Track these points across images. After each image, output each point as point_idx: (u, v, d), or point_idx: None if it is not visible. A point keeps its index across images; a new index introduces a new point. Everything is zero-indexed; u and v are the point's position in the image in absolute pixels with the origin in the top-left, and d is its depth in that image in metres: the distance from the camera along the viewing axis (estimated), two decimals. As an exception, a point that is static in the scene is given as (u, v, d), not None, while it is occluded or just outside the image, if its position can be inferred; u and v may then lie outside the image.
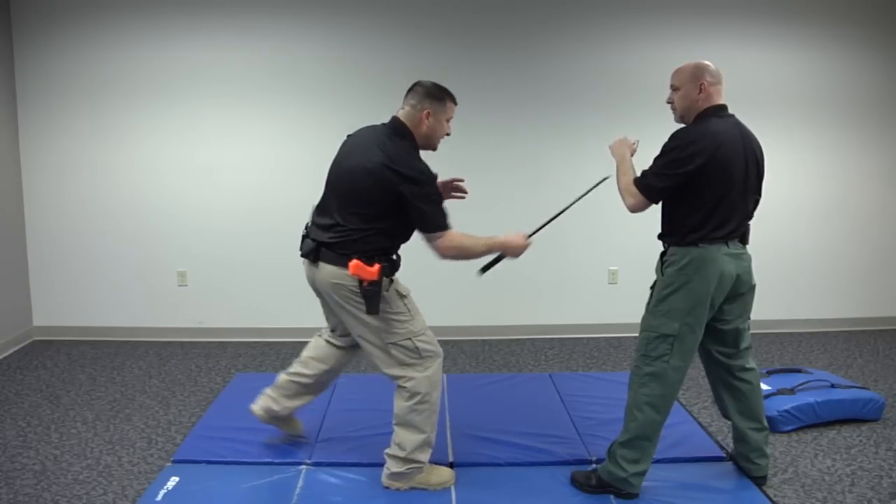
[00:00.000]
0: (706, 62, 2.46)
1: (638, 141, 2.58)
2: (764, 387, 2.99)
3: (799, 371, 3.49)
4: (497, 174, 4.59)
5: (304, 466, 2.78)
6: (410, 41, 4.47)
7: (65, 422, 3.27)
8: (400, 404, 2.53)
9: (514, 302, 4.70)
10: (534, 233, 2.66)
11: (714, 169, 2.34)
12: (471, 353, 4.35)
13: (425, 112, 2.47)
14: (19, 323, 4.48)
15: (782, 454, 2.93)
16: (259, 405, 2.82)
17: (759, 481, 2.67)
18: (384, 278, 2.41)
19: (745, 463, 2.69)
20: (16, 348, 4.38)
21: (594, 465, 2.73)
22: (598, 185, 2.73)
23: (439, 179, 2.58)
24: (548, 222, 2.70)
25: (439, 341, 2.64)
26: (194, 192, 4.49)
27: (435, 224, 2.43)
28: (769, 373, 3.46)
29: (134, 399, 3.57)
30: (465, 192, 2.84)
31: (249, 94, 4.41)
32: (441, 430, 3.08)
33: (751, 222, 2.55)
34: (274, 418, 2.83)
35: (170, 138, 4.41)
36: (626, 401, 2.53)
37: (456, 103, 2.56)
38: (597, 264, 4.72)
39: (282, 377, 2.81)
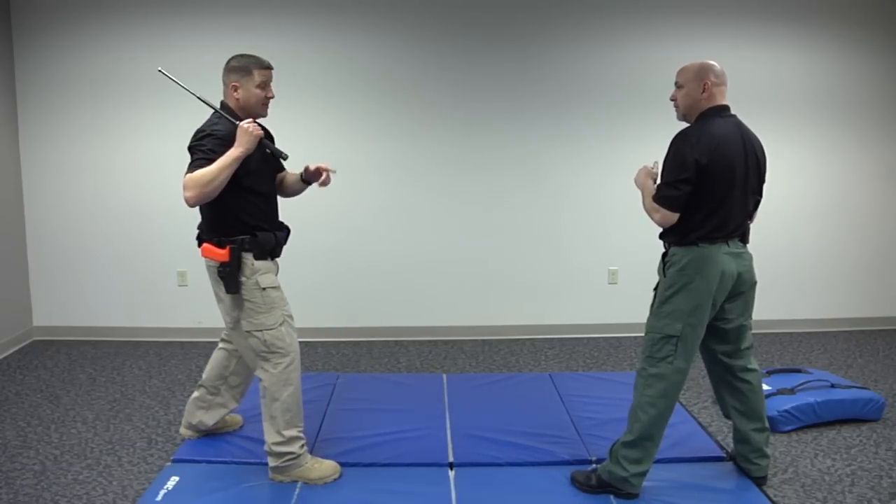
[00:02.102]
0: (712, 62, 2.46)
1: (656, 163, 2.56)
2: (764, 387, 2.99)
3: (799, 371, 3.49)
4: (497, 174, 4.59)
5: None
6: (410, 42, 4.46)
7: (65, 422, 3.27)
8: (261, 398, 2.62)
9: (514, 302, 4.70)
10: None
11: (714, 168, 2.34)
12: (471, 353, 4.35)
13: (231, 86, 2.54)
14: (19, 323, 4.48)
15: (782, 454, 2.93)
16: (182, 424, 3.01)
17: (759, 481, 2.66)
18: (245, 260, 2.50)
19: (745, 463, 2.69)
20: (16, 348, 4.38)
21: (594, 465, 2.73)
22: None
23: (319, 164, 2.73)
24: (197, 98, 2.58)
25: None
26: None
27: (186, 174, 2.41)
28: (769, 373, 3.46)
29: (134, 399, 3.57)
30: (324, 175, 2.78)
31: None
32: (441, 430, 3.08)
33: (750, 222, 2.55)
34: (202, 431, 2.97)
35: (170, 138, 4.40)
36: (632, 402, 2.53)
37: (267, 67, 2.56)
38: (597, 264, 4.72)
39: (193, 393, 2.98)
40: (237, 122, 2.45)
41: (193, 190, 2.33)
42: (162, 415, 3.36)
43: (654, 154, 2.66)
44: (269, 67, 2.58)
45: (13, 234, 4.42)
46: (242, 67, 2.53)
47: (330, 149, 4.46)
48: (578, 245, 4.69)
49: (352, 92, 4.47)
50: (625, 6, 4.49)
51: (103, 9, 4.34)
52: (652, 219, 2.47)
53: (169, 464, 2.80)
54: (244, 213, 2.52)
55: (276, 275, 2.65)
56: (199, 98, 2.51)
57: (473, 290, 4.68)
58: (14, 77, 4.38)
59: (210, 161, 2.38)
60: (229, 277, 2.50)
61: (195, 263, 4.52)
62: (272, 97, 2.60)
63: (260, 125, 2.62)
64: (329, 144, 4.48)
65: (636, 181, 2.60)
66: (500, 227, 4.65)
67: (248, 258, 2.52)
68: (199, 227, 2.64)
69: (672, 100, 2.54)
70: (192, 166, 2.39)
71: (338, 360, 4.24)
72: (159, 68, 2.58)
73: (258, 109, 2.58)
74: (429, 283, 4.65)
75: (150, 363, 4.13)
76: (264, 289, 2.54)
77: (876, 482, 2.71)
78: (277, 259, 2.69)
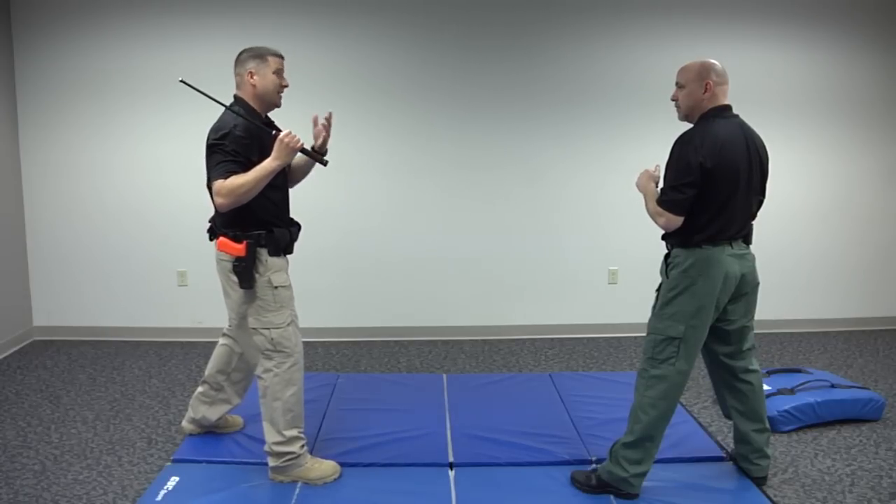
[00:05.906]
0: (712, 61, 2.44)
1: (658, 166, 2.55)
2: (764, 387, 2.99)
3: (799, 371, 3.49)
4: (497, 173, 4.58)
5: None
6: (409, 41, 4.46)
7: (65, 422, 3.27)
8: (260, 397, 2.62)
9: (515, 302, 4.70)
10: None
11: (719, 171, 2.33)
12: (471, 353, 4.35)
13: (248, 73, 2.54)
14: (19, 323, 4.47)
15: (782, 454, 2.93)
16: (185, 419, 3.02)
17: (760, 481, 2.67)
18: (259, 256, 2.50)
19: (746, 463, 2.69)
20: (16, 348, 4.38)
21: (594, 465, 2.73)
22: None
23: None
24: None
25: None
26: (194, 192, 4.44)
27: (209, 177, 2.43)
28: (769, 373, 3.47)
29: (134, 399, 3.57)
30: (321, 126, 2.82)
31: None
32: (441, 429, 3.08)
33: (753, 222, 2.55)
34: (205, 427, 2.98)
35: (170, 138, 4.41)
36: (633, 403, 2.53)
37: (280, 56, 2.60)
38: (597, 264, 4.72)
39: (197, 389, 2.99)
40: (255, 122, 2.46)
41: (228, 198, 2.36)
42: (162, 415, 3.36)
43: (655, 153, 2.66)
44: (281, 56, 2.62)
45: (13, 234, 4.42)
46: (258, 55, 2.55)
47: (329, 148, 4.45)
48: (578, 245, 4.69)
49: (350, 91, 4.47)
50: (624, 6, 4.49)
51: (103, 9, 4.34)
52: (656, 223, 2.45)
53: (169, 464, 2.80)
54: (261, 208, 2.51)
55: (287, 272, 2.64)
56: (220, 103, 2.51)
57: (473, 289, 4.68)
58: (14, 77, 4.38)
59: (234, 163, 2.39)
60: (244, 272, 2.49)
61: (195, 263, 4.57)
62: (286, 85, 2.63)
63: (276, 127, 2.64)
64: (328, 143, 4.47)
65: (638, 185, 2.59)
66: (500, 226, 4.65)
67: (262, 254, 2.52)
68: (211, 221, 2.63)
69: (673, 100, 2.53)
70: (219, 169, 2.39)
71: (338, 360, 4.24)
72: (181, 79, 2.56)
73: (274, 98, 2.60)
74: (429, 283, 4.65)
75: (150, 363, 4.13)
76: (276, 287, 2.54)
77: (876, 482, 2.71)
78: (289, 256, 2.68)
